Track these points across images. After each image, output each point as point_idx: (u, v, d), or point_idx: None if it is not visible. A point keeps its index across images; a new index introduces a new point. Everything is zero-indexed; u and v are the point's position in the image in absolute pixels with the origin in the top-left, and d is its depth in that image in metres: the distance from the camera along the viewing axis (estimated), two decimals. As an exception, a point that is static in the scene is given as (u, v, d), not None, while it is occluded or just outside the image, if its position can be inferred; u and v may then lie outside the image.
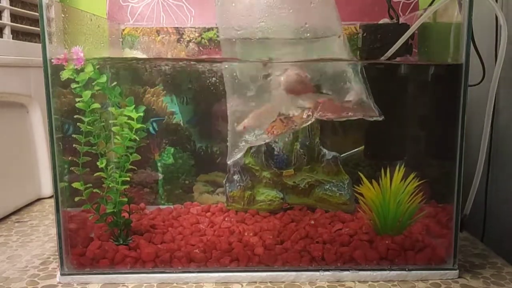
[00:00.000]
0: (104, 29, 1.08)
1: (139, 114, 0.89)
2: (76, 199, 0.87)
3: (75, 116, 0.85)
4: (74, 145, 0.85)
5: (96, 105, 0.87)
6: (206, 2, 1.23)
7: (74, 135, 0.85)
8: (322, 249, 0.88)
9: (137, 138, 0.90)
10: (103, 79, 0.86)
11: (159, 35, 1.17)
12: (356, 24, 1.15)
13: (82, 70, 0.84)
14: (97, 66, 0.86)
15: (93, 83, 0.85)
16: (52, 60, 0.81)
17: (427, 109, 0.96)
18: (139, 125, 0.89)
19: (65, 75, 0.82)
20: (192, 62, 1.10)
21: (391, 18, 0.94)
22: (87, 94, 0.85)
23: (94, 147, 0.87)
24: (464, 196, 0.88)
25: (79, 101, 0.85)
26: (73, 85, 0.84)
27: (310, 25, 0.85)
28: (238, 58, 0.92)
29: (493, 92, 0.86)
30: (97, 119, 0.87)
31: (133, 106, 0.90)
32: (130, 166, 0.91)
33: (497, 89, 0.86)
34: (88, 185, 0.87)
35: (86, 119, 0.85)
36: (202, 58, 1.16)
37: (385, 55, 0.88)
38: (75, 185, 0.86)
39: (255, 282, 0.85)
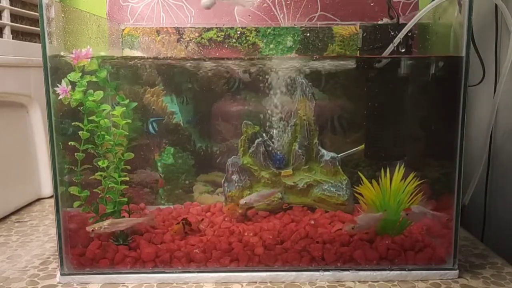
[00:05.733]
0: (104, 29, 1.08)
1: (122, 109, 0.89)
2: (75, 205, 0.87)
3: (74, 123, 0.86)
4: (72, 152, 0.86)
5: (107, 106, 0.87)
6: (206, 2, 1.23)
7: (72, 143, 0.85)
8: (322, 249, 0.88)
9: (126, 132, 0.90)
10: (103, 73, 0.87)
11: (159, 35, 1.17)
12: (356, 24, 1.15)
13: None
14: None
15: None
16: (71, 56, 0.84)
17: (426, 109, 0.96)
18: (124, 121, 0.89)
19: (74, 76, 0.83)
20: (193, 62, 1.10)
21: (391, 18, 0.94)
22: (99, 93, 0.86)
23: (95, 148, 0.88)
24: (464, 190, 0.88)
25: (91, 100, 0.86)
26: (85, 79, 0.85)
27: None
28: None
29: (499, 90, 0.87)
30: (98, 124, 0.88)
31: (126, 101, 0.90)
32: (125, 166, 0.91)
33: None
34: (85, 191, 0.87)
35: (94, 119, 0.86)
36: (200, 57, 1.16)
37: (384, 53, 0.88)
38: (72, 190, 0.86)
39: (255, 282, 0.85)
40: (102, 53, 0.89)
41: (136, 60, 1.14)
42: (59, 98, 0.82)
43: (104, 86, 0.88)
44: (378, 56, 0.90)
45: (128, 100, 0.91)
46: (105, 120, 0.88)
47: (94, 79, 0.86)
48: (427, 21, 0.97)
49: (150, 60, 1.16)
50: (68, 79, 0.83)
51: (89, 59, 0.84)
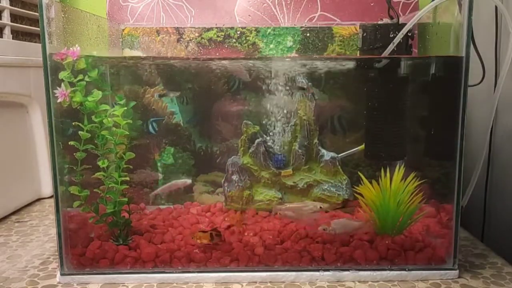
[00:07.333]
0: (104, 29, 1.08)
1: (123, 109, 0.89)
2: (75, 205, 0.87)
3: (74, 123, 0.86)
4: (71, 152, 0.86)
5: (106, 106, 0.87)
6: (206, 2, 1.23)
7: (72, 142, 0.85)
8: (322, 249, 0.88)
9: (126, 132, 0.90)
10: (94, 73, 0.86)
11: (159, 35, 1.17)
12: (356, 24, 1.15)
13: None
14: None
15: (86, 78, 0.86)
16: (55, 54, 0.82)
17: (427, 109, 0.96)
18: (125, 121, 0.89)
19: (63, 75, 0.83)
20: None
21: (391, 18, 0.94)
22: (97, 93, 0.86)
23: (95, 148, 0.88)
24: (464, 191, 0.89)
25: (90, 101, 0.85)
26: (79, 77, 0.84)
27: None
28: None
29: (498, 91, 0.87)
30: (100, 122, 0.87)
31: (123, 101, 0.90)
32: (126, 165, 0.91)
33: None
34: (85, 191, 0.87)
35: (93, 119, 0.86)
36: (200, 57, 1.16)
37: (384, 53, 0.88)
38: (72, 190, 0.86)
39: (255, 282, 0.85)
40: (94, 53, 0.89)
41: (129, 60, 1.14)
42: (58, 101, 0.82)
43: (98, 85, 0.88)
44: (378, 56, 0.90)
45: (124, 100, 0.91)
46: (105, 119, 0.88)
47: (87, 79, 0.86)
48: (427, 21, 0.97)
49: (138, 59, 1.16)
50: (61, 78, 0.83)
51: (74, 57, 0.83)
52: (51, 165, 0.84)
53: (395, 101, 0.94)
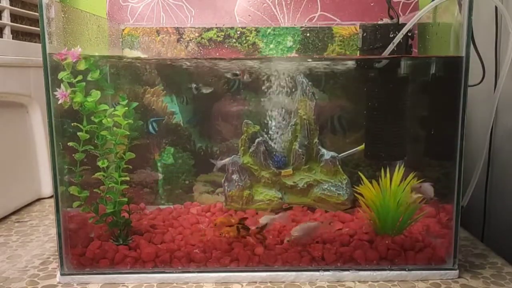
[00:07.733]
0: (104, 29, 1.08)
1: (124, 109, 0.89)
2: (75, 205, 0.87)
3: (73, 124, 0.86)
4: (71, 152, 0.86)
5: (105, 106, 0.87)
6: (206, 2, 1.23)
7: (71, 144, 0.85)
8: (322, 249, 0.88)
9: (127, 132, 0.90)
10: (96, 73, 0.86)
11: (159, 35, 1.17)
12: (356, 24, 1.15)
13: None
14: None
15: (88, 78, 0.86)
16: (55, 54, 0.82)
17: (427, 109, 0.96)
18: (126, 121, 0.89)
19: (62, 75, 0.83)
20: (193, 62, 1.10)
21: (391, 18, 0.94)
22: (96, 94, 0.85)
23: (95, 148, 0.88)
24: (464, 191, 0.89)
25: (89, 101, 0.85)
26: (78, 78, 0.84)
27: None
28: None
29: (498, 91, 0.87)
30: (99, 122, 0.87)
31: (126, 101, 0.90)
32: (126, 165, 0.90)
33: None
34: (84, 192, 0.87)
35: (93, 119, 0.85)
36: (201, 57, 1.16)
37: (384, 53, 0.88)
38: (72, 190, 0.86)
39: (255, 282, 0.85)
40: (94, 54, 0.89)
41: (129, 60, 1.14)
42: (58, 103, 0.82)
43: (100, 86, 0.88)
44: (378, 56, 0.90)
45: (126, 101, 0.91)
46: (105, 120, 0.88)
47: (89, 79, 0.86)
48: (427, 21, 0.97)
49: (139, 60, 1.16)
50: (61, 78, 0.83)
51: (74, 59, 0.83)
52: (51, 165, 0.84)
53: (395, 101, 0.94)
